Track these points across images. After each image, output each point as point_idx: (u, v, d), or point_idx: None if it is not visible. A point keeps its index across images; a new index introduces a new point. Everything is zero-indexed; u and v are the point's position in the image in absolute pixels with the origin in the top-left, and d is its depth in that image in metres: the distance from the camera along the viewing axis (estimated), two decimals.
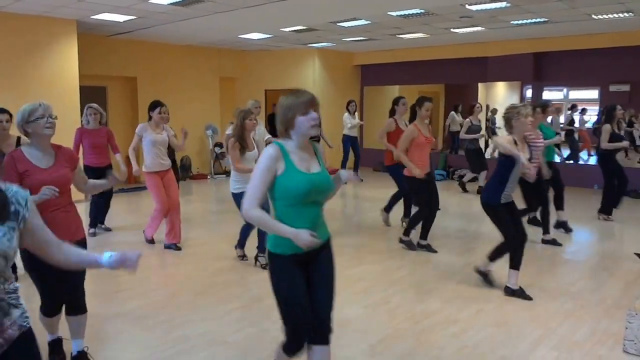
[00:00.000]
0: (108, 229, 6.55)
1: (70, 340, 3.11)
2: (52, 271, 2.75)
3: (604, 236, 6.64)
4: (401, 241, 5.74)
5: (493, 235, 6.41)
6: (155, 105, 5.57)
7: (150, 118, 5.59)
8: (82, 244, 3.05)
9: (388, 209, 6.74)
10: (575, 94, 13.12)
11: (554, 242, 5.90)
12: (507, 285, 4.32)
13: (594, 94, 12.76)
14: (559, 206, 6.38)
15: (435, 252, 5.58)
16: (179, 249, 5.66)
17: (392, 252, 5.65)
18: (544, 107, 6.21)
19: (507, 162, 4.14)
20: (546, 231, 5.97)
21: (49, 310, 3.05)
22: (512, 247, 4.28)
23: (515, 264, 4.29)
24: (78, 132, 6.09)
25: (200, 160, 11.81)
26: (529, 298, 4.22)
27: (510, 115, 4.11)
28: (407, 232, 5.71)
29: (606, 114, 6.84)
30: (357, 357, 3.24)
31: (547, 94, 11.98)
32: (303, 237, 2.22)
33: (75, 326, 3.09)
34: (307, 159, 2.41)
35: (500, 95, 12.57)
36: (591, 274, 5.03)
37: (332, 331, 2.51)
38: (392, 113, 6.43)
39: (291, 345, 2.49)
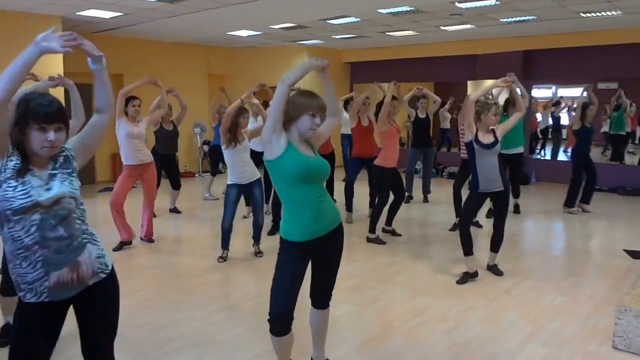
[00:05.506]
0: None
1: None
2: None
3: (592, 233, 6.67)
4: (369, 240, 5.85)
5: (484, 231, 6.43)
6: (127, 100, 5.53)
7: (126, 114, 5.57)
8: None
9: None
10: (564, 92, 13.19)
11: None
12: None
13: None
14: (515, 195, 7.34)
15: (400, 235, 6.13)
16: (152, 241, 5.83)
17: (383, 249, 5.63)
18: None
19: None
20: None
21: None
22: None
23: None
24: None
25: (189, 158, 11.72)
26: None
27: (480, 110, 4.44)
28: (372, 229, 5.86)
29: (578, 110, 7.12)
30: (347, 356, 3.21)
31: (536, 92, 12.02)
32: (311, 62, 2.58)
33: None
34: (304, 149, 2.58)
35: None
36: (580, 270, 5.04)
37: (331, 298, 2.82)
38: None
39: (272, 329, 2.59)
